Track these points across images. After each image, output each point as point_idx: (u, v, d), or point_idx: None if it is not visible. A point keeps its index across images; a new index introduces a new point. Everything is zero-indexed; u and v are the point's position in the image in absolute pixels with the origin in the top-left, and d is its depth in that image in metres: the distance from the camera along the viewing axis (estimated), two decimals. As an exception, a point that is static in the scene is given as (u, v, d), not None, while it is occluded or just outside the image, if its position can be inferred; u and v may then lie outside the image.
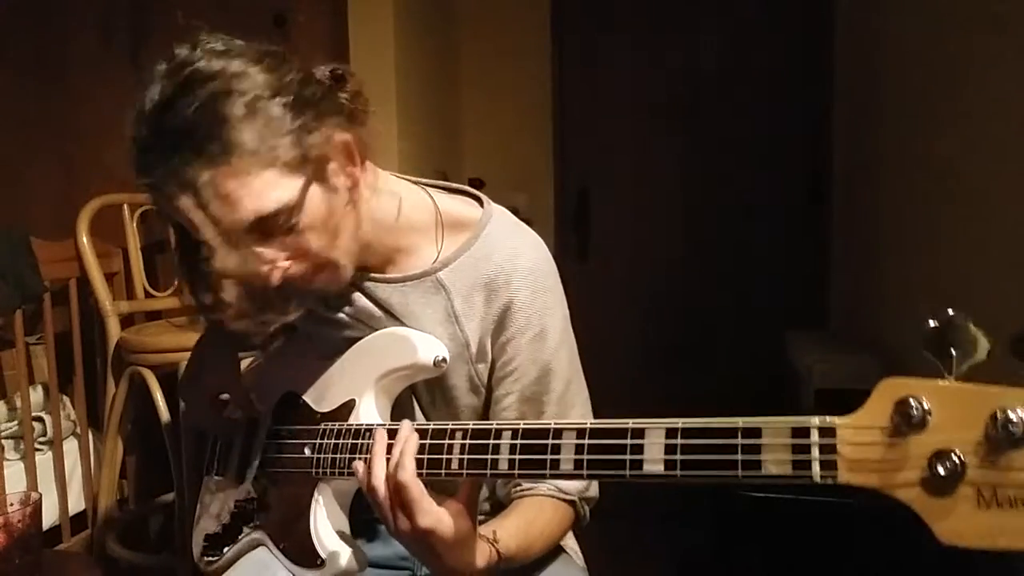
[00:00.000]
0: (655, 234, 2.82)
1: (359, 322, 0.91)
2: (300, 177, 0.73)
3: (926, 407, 0.48)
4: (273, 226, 0.73)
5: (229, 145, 0.69)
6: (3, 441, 1.80)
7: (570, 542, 1.06)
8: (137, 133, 0.73)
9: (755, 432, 0.55)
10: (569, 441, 0.65)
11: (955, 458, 0.46)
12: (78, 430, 1.94)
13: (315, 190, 0.75)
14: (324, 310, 0.92)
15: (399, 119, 2.04)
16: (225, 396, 0.98)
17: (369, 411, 0.86)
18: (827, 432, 0.52)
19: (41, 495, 1.17)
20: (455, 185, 0.97)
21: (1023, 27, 1.35)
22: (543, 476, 0.68)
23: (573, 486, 0.91)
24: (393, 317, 0.90)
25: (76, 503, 1.91)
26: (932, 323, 0.49)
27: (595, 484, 0.94)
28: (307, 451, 0.88)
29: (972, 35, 1.56)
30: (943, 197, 1.69)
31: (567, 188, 2.87)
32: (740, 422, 0.56)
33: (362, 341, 0.90)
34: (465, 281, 0.88)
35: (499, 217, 0.92)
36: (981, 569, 1.34)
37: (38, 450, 1.82)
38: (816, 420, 0.53)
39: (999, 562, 1.33)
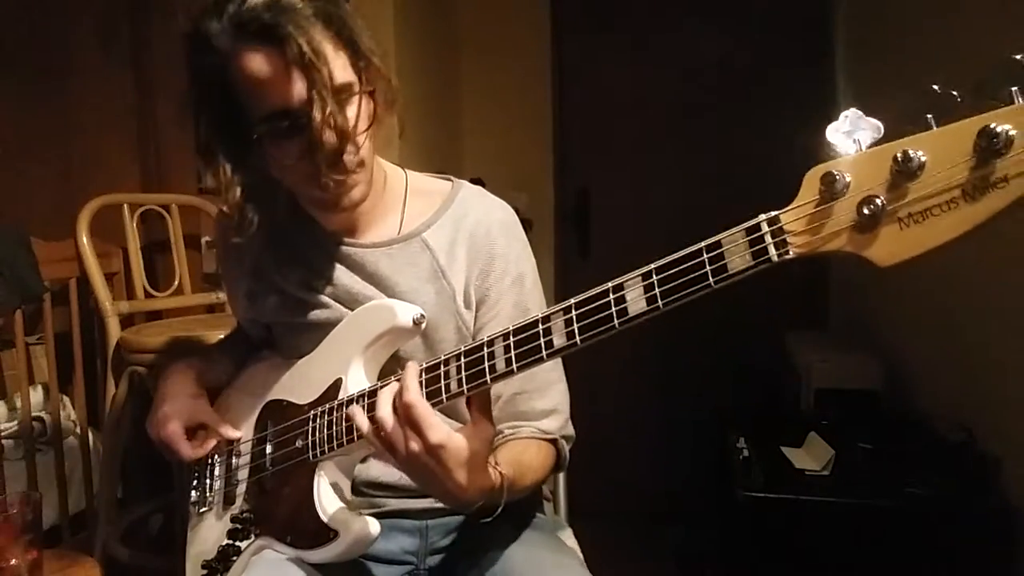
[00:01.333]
0: (655, 234, 2.81)
1: (339, 303, 0.95)
2: (356, 75, 0.84)
3: (846, 176, 0.59)
4: (343, 95, 0.82)
5: (341, 20, 0.82)
6: (3, 441, 1.80)
7: (570, 541, 1.07)
8: (235, 8, 0.79)
9: (716, 245, 0.64)
10: (558, 320, 0.71)
11: (876, 200, 0.57)
12: (78, 430, 1.94)
13: (364, 97, 0.84)
14: (307, 294, 0.95)
15: (399, 119, 2.04)
16: (197, 425, 0.99)
17: (358, 380, 0.87)
18: (773, 221, 0.62)
19: (41, 495, 1.17)
20: (427, 173, 1.08)
21: None
22: (540, 360, 0.70)
23: (553, 425, 0.96)
24: (375, 286, 0.94)
25: (76, 503, 1.91)
26: (835, 122, 0.60)
27: (570, 423, 1.00)
28: (298, 442, 0.89)
29: (976, 34, 1.56)
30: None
31: (567, 188, 2.87)
32: (701, 243, 0.65)
33: (338, 326, 0.91)
34: (447, 238, 0.97)
35: (468, 186, 1.04)
36: (980, 568, 1.34)
37: (38, 450, 1.82)
38: (763, 216, 0.63)
39: (998, 563, 1.34)
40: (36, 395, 1.89)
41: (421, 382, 0.77)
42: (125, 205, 2.00)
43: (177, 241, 2.11)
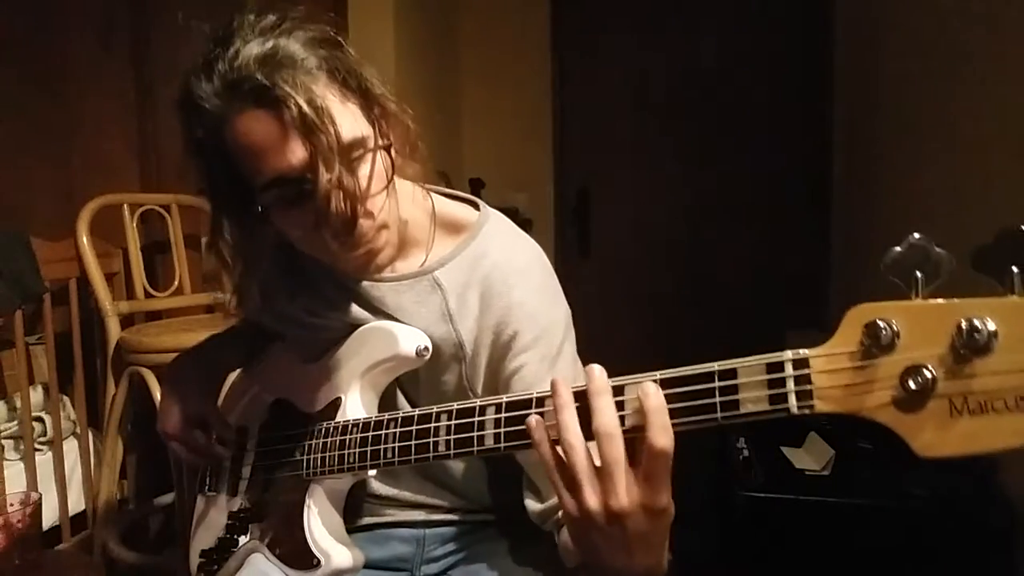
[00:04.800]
0: (655, 233, 2.82)
1: (348, 326, 0.91)
2: (370, 125, 0.76)
3: (895, 328, 0.49)
4: (353, 153, 0.74)
5: (348, 67, 0.75)
6: (3, 441, 1.80)
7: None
8: (226, 67, 0.71)
9: (730, 373, 0.55)
10: (552, 408, 0.63)
11: (926, 372, 0.47)
12: (78, 430, 1.94)
13: (380, 152, 0.77)
14: (312, 318, 0.92)
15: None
16: (204, 421, 0.97)
17: (355, 407, 0.86)
18: (800, 364, 0.53)
19: (41, 495, 1.17)
20: (452, 191, 0.98)
21: (1021, 27, 1.35)
22: (529, 446, 0.63)
23: None
24: (385, 316, 0.90)
25: (76, 503, 1.91)
26: (896, 248, 0.50)
27: None
28: (297, 454, 0.88)
29: (972, 33, 1.56)
30: (944, 197, 1.69)
31: (567, 188, 2.87)
32: (715, 366, 0.56)
33: (346, 341, 0.90)
34: (460, 279, 0.87)
35: (496, 219, 0.92)
36: (980, 569, 1.34)
37: (38, 450, 1.82)
38: (789, 354, 0.53)
39: (998, 563, 1.34)
40: (36, 395, 1.88)
41: (396, 433, 0.75)
42: (125, 205, 2.00)
43: (177, 241, 2.11)
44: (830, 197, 2.61)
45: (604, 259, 2.85)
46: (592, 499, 0.58)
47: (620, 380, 0.60)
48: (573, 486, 0.59)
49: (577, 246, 2.86)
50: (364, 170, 0.75)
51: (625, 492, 0.57)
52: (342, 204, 0.71)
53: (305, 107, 0.69)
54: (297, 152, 0.71)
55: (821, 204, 2.62)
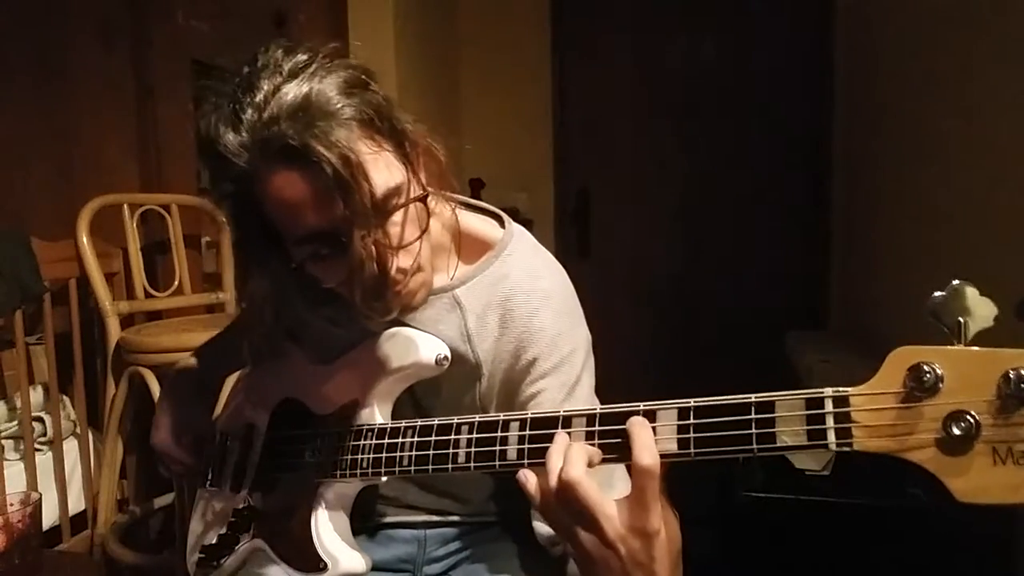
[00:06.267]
0: (655, 234, 2.82)
1: (368, 335, 0.90)
2: (403, 168, 0.74)
3: (939, 372, 0.49)
4: (388, 205, 0.72)
5: (380, 111, 0.72)
6: (3, 441, 1.80)
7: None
8: (255, 117, 0.68)
9: (768, 407, 0.56)
10: (579, 429, 0.64)
11: (970, 418, 0.47)
12: (78, 430, 1.94)
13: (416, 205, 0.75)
14: (332, 327, 0.91)
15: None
16: (194, 435, 0.98)
17: (370, 412, 0.85)
18: (840, 401, 0.53)
19: (41, 495, 1.17)
20: (476, 202, 0.96)
21: (1021, 26, 1.35)
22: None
23: None
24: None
25: (76, 503, 1.91)
26: (939, 293, 0.50)
27: None
28: (307, 455, 0.87)
29: (972, 32, 1.56)
30: (944, 197, 1.69)
31: (567, 188, 2.87)
32: (752, 398, 0.57)
33: (361, 347, 0.89)
34: (480, 300, 0.86)
35: (519, 238, 0.91)
36: (980, 569, 1.34)
37: (38, 450, 1.82)
38: (829, 391, 0.54)
39: (998, 564, 1.34)
40: (36, 395, 1.88)
41: (414, 442, 0.75)
42: (125, 205, 2.00)
43: (177, 241, 2.11)
44: (830, 197, 2.61)
45: (604, 259, 2.85)
46: (583, 536, 0.60)
47: (653, 405, 0.62)
48: (562, 532, 0.62)
49: (577, 246, 2.86)
50: (398, 218, 0.73)
51: (611, 523, 0.58)
52: (375, 266, 0.70)
53: (339, 166, 0.66)
54: (330, 210, 0.68)
55: (821, 204, 2.62)
